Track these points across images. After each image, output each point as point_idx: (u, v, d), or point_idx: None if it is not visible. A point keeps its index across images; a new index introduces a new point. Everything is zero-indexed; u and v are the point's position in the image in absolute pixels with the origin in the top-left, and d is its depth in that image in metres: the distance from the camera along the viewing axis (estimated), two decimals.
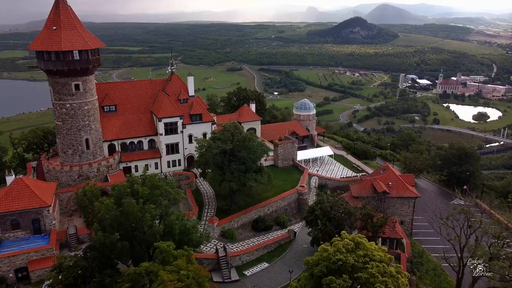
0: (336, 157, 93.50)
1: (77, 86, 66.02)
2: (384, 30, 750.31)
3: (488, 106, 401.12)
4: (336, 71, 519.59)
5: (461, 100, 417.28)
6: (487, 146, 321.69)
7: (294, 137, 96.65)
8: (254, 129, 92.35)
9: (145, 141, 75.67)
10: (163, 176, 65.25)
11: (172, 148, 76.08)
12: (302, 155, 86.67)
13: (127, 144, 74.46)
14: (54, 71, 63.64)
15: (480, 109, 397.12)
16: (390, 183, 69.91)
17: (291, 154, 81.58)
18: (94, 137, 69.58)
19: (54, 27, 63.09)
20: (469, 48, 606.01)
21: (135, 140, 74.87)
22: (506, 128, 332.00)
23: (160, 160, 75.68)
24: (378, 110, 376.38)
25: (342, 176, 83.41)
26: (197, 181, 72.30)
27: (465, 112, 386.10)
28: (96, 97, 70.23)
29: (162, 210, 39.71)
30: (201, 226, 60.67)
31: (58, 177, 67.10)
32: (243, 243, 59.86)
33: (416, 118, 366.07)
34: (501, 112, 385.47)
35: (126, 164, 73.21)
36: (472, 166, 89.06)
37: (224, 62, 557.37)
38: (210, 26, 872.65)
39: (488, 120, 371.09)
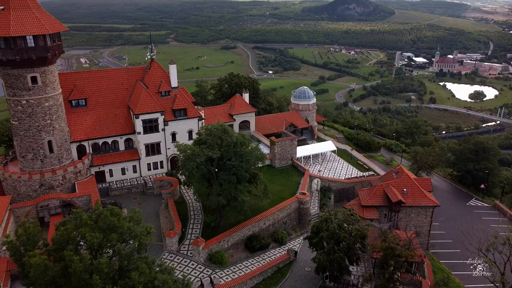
0: (339, 152, 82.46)
1: (34, 79, 53.94)
2: (380, 6, 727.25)
3: (485, 85, 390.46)
4: (331, 49, 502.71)
5: (458, 78, 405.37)
6: (483, 125, 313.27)
7: (293, 129, 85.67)
8: (248, 122, 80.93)
9: (121, 141, 64.14)
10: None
11: (153, 149, 64.63)
12: (302, 151, 75.64)
13: (100, 144, 62.92)
14: (4, 61, 51.41)
15: (477, 87, 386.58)
16: (405, 189, 59.32)
17: (289, 153, 70.52)
18: (59, 138, 57.93)
19: (1, 7, 50.53)
20: (465, 25, 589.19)
21: (109, 140, 63.29)
22: (503, 107, 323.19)
23: (139, 163, 64.34)
24: (374, 89, 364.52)
25: (347, 177, 72.63)
26: (182, 188, 61.31)
27: (462, 91, 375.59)
28: (60, 90, 58.18)
29: (122, 262, 28.47)
30: (184, 247, 50.17)
31: (16, 187, 55.80)
32: (234, 268, 49.33)
33: (413, 97, 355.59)
34: (498, 91, 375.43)
35: (99, 168, 61.87)
36: (491, 163, 78.60)
37: (217, 40, 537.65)
38: (203, 3, 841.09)
39: (484, 99, 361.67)
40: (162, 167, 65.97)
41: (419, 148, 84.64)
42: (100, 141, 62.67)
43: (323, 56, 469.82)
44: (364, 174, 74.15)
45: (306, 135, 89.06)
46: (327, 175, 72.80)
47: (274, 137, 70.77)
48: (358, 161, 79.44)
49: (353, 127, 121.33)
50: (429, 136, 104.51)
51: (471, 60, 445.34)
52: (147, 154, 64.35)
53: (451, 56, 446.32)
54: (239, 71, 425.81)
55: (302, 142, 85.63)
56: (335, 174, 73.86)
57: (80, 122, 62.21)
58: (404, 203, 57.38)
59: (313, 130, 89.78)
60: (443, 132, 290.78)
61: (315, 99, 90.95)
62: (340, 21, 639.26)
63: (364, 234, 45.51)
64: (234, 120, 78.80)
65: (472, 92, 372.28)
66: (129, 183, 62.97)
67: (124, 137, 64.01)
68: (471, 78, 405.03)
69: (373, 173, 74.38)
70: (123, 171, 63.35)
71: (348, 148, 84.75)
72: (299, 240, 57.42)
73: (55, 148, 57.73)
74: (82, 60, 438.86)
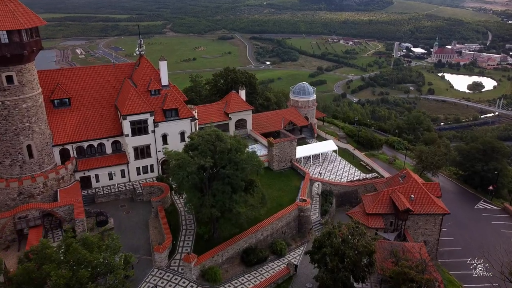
0: (340, 151, 77.77)
1: (9, 79, 48.93)
2: None
3: (483, 76, 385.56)
4: (329, 39, 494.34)
5: (456, 69, 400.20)
6: (482, 117, 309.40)
7: (291, 127, 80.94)
8: (245, 120, 76.08)
9: (108, 144, 59.20)
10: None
11: (142, 152, 59.78)
12: (301, 151, 70.97)
13: (85, 148, 58.00)
14: None
15: (475, 78, 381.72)
16: (412, 196, 54.91)
17: (289, 155, 65.84)
18: (39, 142, 53.03)
19: None
20: (464, 15, 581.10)
21: (95, 143, 58.33)
22: (502, 99, 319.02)
23: (128, 167, 59.52)
24: (372, 80, 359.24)
25: (349, 179, 68.10)
26: (173, 194, 56.64)
27: (460, 82, 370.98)
28: (40, 90, 53.16)
29: None
30: (175, 263, 45.74)
31: None
32: (229, 285, 44.99)
33: (411, 88, 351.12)
34: (496, 82, 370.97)
35: (84, 173, 57.07)
36: (500, 163, 74.18)
37: (214, 31, 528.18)
38: None
39: (483, 90, 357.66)
40: (152, 171, 61.23)
41: (424, 147, 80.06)
42: (85, 144, 57.73)
43: (321, 46, 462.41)
44: (367, 176, 69.66)
45: (306, 133, 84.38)
46: (328, 177, 68.32)
47: (272, 138, 66.00)
48: (361, 162, 74.85)
49: (353, 122, 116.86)
50: (433, 133, 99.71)
51: (469, 50, 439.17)
52: (136, 158, 59.50)
53: (449, 47, 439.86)
54: (236, 62, 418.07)
55: (302, 141, 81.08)
56: (337, 176, 69.34)
57: (63, 124, 57.25)
58: (412, 211, 53.00)
59: (313, 128, 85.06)
60: (442, 123, 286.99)
61: (315, 95, 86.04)
62: (338, 11, 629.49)
63: (372, 250, 41.12)
64: (230, 118, 73.98)
65: (471, 83, 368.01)
66: (116, 189, 58.25)
67: (111, 140, 59.07)
68: (470, 69, 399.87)
69: (376, 175, 69.91)
70: (110, 176, 58.60)
71: (349, 147, 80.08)
72: (299, 251, 53.10)
73: (35, 153, 52.86)
74: (78, 51, 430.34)
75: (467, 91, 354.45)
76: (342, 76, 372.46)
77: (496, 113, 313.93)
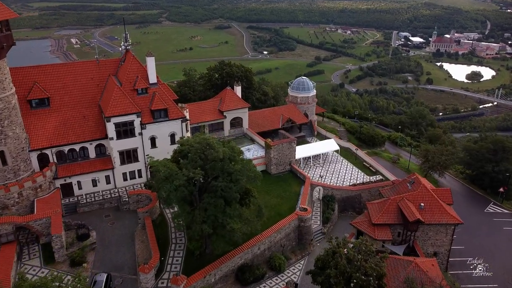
0: (342, 151, 72.65)
1: None
2: None
3: (482, 65, 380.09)
4: (327, 28, 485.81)
5: (455, 58, 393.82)
6: (480, 107, 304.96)
7: (290, 125, 75.81)
8: (241, 119, 70.79)
9: (91, 147, 53.86)
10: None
11: (129, 156, 54.51)
12: (301, 152, 65.81)
13: (66, 152, 52.65)
14: None
15: (474, 68, 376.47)
16: (422, 204, 50.03)
17: (288, 157, 60.73)
18: (13, 147, 47.75)
19: None
20: (462, 4, 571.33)
21: (77, 147, 52.96)
22: (501, 88, 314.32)
23: (113, 172, 54.30)
24: (370, 70, 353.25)
25: (352, 183, 63.14)
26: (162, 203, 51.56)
27: (459, 72, 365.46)
28: (13, 90, 47.71)
29: None
30: (162, 283, 40.92)
31: None
32: None
33: (409, 78, 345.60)
34: (495, 71, 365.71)
35: (65, 180, 51.85)
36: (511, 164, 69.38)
37: (211, 20, 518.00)
38: None
39: (481, 80, 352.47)
40: (140, 176, 56.07)
41: (430, 146, 75.12)
42: (66, 148, 52.38)
43: (318, 36, 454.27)
44: (371, 178, 64.74)
45: (305, 131, 79.21)
46: (329, 180, 63.41)
47: (270, 140, 60.74)
48: (364, 163, 69.82)
49: (354, 116, 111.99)
50: (437, 130, 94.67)
51: (468, 39, 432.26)
52: (122, 162, 54.25)
53: (448, 36, 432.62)
54: (233, 52, 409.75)
55: (301, 140, 76.01)
56: (339, 179, 64.40)
57: (42, 126, 51.80)
58: (423, 222, 48.16)
59: (312, 125, 79.88)
60: (440, 114, 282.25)
61: (314, 91, 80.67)
62: (336, 0, 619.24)
63: (382, 273, 36.36)
64: (225, 117, 68.67)
65: (469, 72, 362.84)
66: (101, 197, 53.14)
67: (95, 143, 53.73)
68: (468, 58, 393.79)
69: (381, 177, 64.97)
70: (94, 182, 53.40)
71: (351, 146, 74.98)
72: (299, 266, 48.44)
73: (9, 160, 47.64)
74: (73, 40, 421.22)
75: (466, 80, 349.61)
76: (340, 66, 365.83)
77: (495, 103, 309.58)
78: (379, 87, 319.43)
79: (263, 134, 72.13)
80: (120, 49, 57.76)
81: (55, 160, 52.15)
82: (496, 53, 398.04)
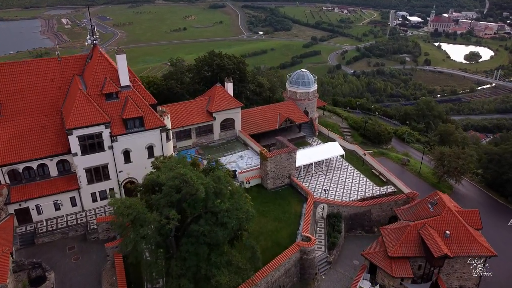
0: (347, 155, 63.03)
1: None
2: None
3: (480, 45, 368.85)
4: (323, 7, 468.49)
5: (453, 38, 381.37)
6: (479, 88, 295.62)
7: (288, 124, 66.20)
8: (232, 120, 60.97)
9: (52, 164, 44.14)
10: None
11: (98, 173, 44.90)
12: (301, 159, 55.99)
13: (21, 171, 42.96)
14: None
15: (472, 48, 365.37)
16: (447, 231, 41.20)
17: (287, 169, 51.26)
18: None
19: None
20: None
21: (34, 164, 43.23)
22: (499, 69, 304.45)
23: (79, 193, 44.78)
24: (367, 50, 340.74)
25: (360, 197, 53.85)
26: None
27: (457, 52, 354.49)
28: None
29: None
30: None
31: None
32: None
33: (407, 59, 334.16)
34: (493, 52, 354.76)
35: (20, 205, 42.33)
36: None
37: None
38: None
39: (480, 60, 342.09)
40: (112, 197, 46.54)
41: (445, 147, 65.96)
42: (21, 166, 42.66)
43: (315, 15, 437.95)
44: (381, 190, 55.54)
45: (305, 130, 69.60)
46: (334, 193, 54.21)
47: (266, 150, 51.09)
48: (372, 170, 60.49)
49: (356, 106, 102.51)
50: (449, 125, 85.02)
51: (466, 19, 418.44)
52: (90, 181, 44.68)
53: (446, 15, 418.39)
54: (228, 32, 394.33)
55: (301, 141, 66.61)
56: (345, 191, 55.14)
57: None
58: (450, 257, 39.39)
59: (313, 124, 70.20)
60: (438, 95, 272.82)
61: (316, 85, 70.58)
62: None
63: None
64: (214, 119, 58.77)
65: (468, 53, 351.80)
66: (65, 223, 43.83)
67: (56, 159, 44.00)
68: (467, 38, 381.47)
69: (393, 189, 55.76)
70: (56, 206, 43.98)
71: (357, 149, 65.48)
72: None
73: None
74: (64, 20, 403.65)
75: (464, 61, 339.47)
76: (336, 47, 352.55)
77: (494, 84, 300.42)
78: (376, 68, 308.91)
79: (259, 136, 62.63)
80: (86, 43, 47.18)
81: (7, 181, 42.49)
82: (494, 33, 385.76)
